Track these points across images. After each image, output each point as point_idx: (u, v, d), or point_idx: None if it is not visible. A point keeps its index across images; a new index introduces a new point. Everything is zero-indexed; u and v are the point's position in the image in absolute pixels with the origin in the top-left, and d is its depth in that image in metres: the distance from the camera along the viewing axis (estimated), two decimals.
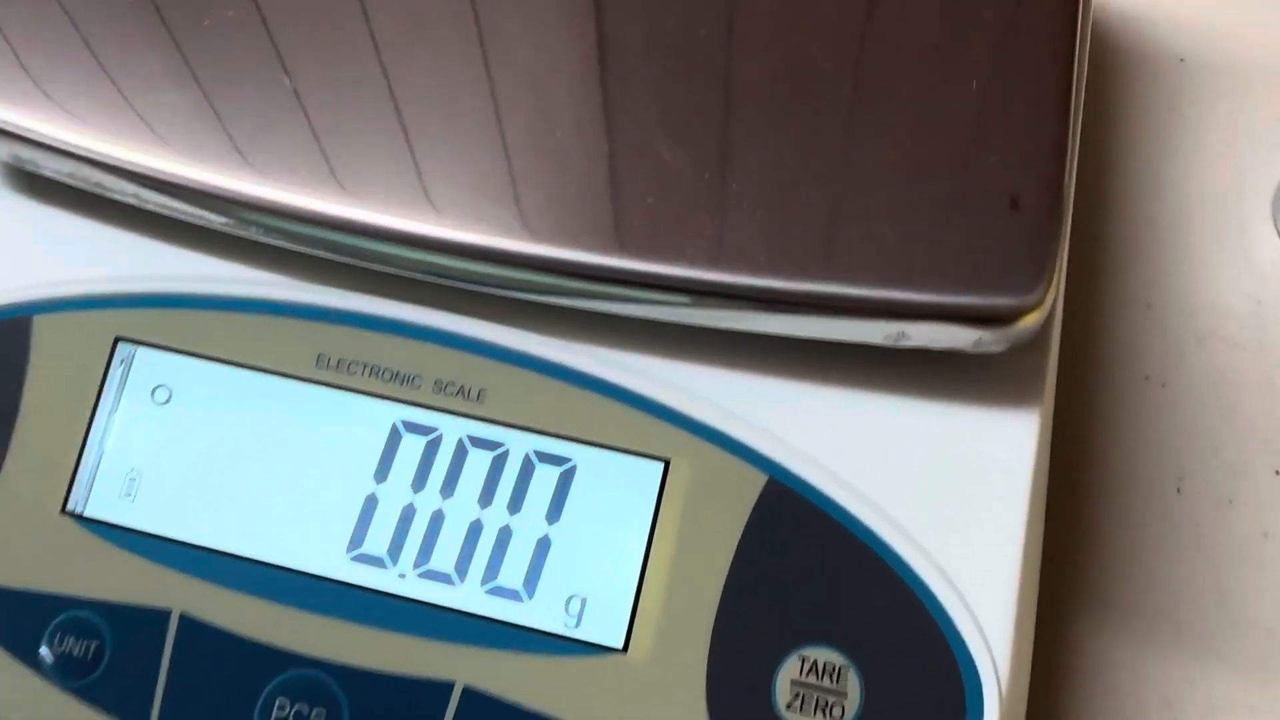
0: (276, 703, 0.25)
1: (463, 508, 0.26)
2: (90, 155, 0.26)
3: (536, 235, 0.25)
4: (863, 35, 0.26)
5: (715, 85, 0.26)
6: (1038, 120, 0.26)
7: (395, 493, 0.26)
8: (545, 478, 0.26)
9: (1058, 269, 0.25)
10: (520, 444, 0.26)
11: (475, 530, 0.26)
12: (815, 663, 0.24)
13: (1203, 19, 0.44)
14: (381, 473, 0.26)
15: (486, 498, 0.26)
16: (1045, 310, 0.24)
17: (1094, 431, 0.35)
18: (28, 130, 0.26)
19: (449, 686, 0.25)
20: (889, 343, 0.25)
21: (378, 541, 0.26)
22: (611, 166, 0.25)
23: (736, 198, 0.25)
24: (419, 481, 0.26)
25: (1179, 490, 0.34)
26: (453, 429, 0.26)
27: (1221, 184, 0.39)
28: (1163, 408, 0.36)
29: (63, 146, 0.26)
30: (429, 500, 0.26)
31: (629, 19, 0.27)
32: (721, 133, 0.25)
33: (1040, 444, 0.25)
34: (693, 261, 0.24)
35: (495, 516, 0.26)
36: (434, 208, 0.25)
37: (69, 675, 0.25)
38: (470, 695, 0.25)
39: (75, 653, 0.25)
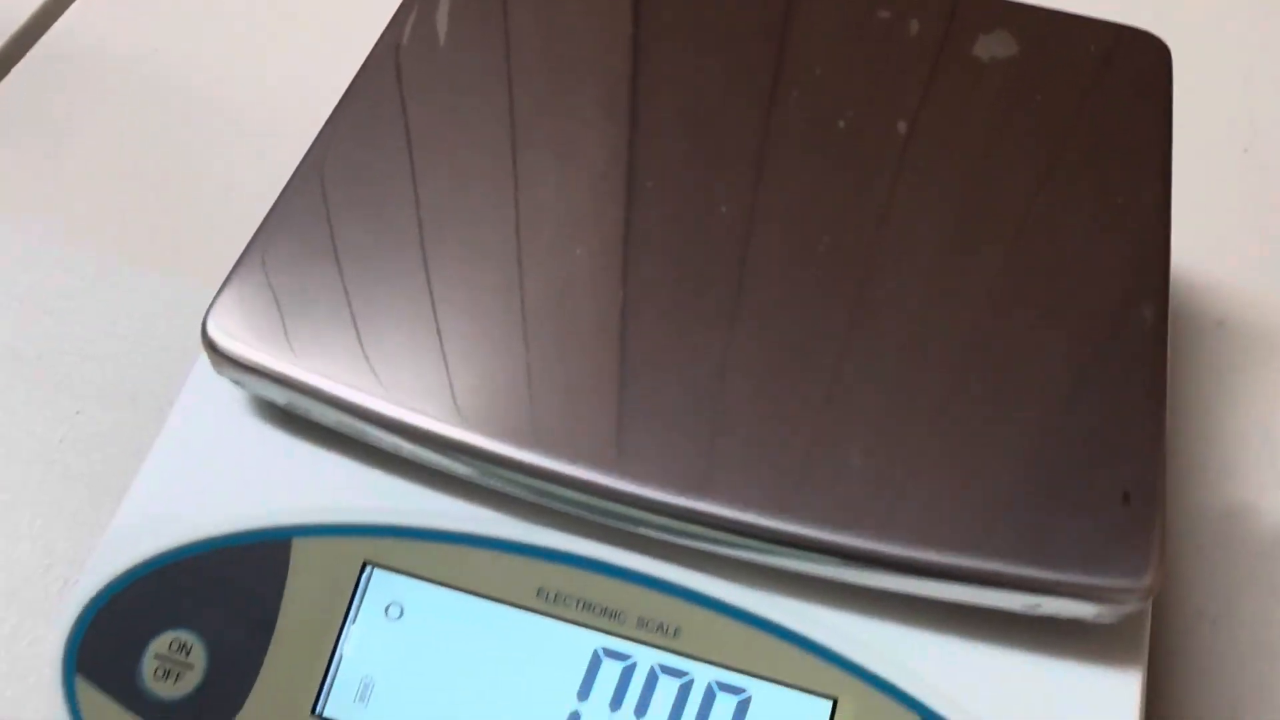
0: None
1: None
2: (356, 407, 0.31)
3: (733, 503, 0.30)
4: (1004, 356, 0.32)
5: (889, 376, 0.32)
6: (1141, 424, 0.32)
7: (595, 710, 0.31)
8: (725, 705, 0.31)
9: (1163, 556, 0.30)
10: (704, 675, 0.31)
11: None
12: None
13: (1240, 282, 0.50)
14: (584, 692, 0.31)
15: None
16: (1154, 590, 0.30)
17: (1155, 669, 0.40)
18: (303, 383, 0.32)
19: None
20: (1025, 610, 0.30)
21: None
22: (794, 445, 0.31)
23: (906, 484, 0.30)
24: (615, 702, 0.31)
25: None
26: (646, 658, 0.31)
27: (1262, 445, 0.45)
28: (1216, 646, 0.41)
29: (333, 398, 0.32)
30: (624, 719, 0.31)
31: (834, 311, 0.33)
32: (902, 421, 0.31)
33: (1142, 697, 0.30)
34: (865, 535, 0.30)
35: None
36: (647, 473, 0.31)
37: None
38: None
39: None
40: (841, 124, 0.37)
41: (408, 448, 0.31)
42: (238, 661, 0.31)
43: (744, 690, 0.31)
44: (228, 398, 0.34)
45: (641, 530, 0.31)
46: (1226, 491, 0.45)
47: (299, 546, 0.32)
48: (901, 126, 0.37)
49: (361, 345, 0.32)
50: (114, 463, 0.42)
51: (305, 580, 0.32)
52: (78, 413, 0.44)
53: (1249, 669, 0.40)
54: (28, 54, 0.55)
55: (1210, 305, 0.50)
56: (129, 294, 0.47)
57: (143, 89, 0.54)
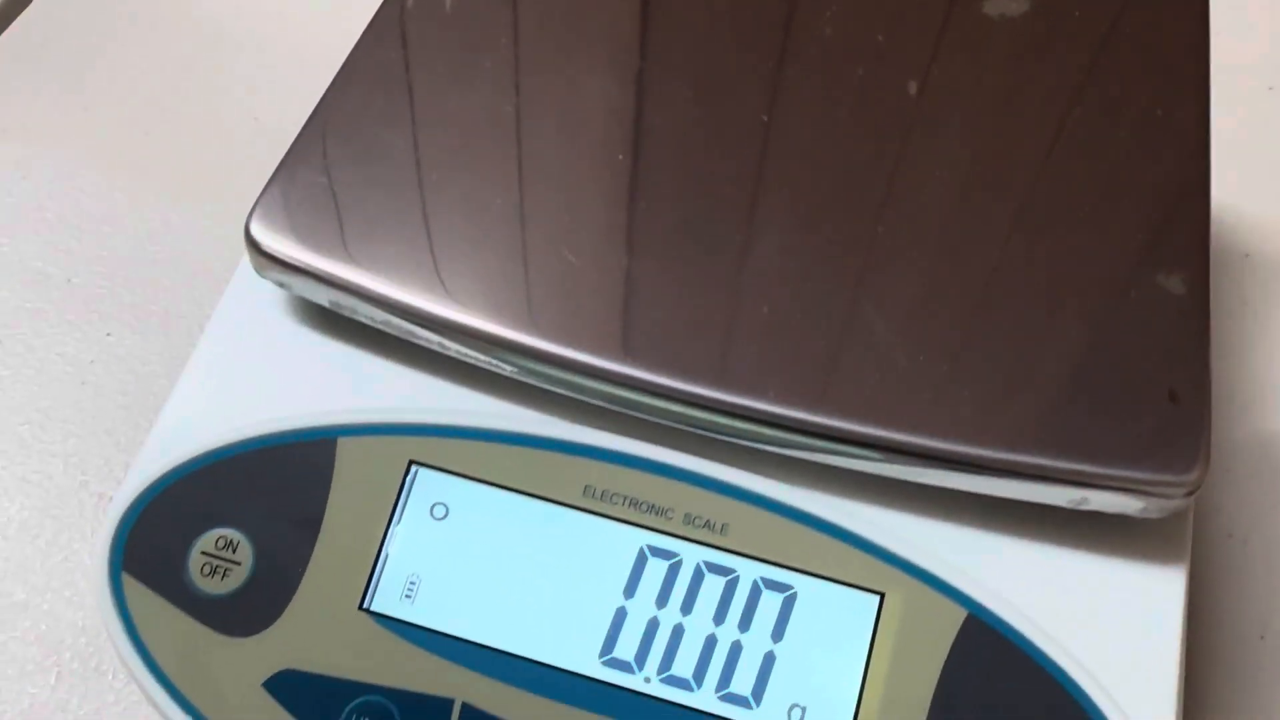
0: None
1: (699, 624, 0.31)
2: (401, 305, 0.31)
3: (780, 399, 0.30)
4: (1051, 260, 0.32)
5: (938, 271, 0.32)
6: (1188, 327, 0.32)
7: (641, 608, 0.31)
8: (771, 601, 0.31)
9: (1208, 451, 0.30)
10: (750, 571, 0.31)
11: (710, 644, 0.31)
12: None
13: (1266, 216, 0.50)
14: (630, 589, 0.31)
15: (720, 616, 0.31)
16: (1199, 485, 0.30)
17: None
18: (348, 281, 0.32)
19: None
20: (1071, 505, 0.30)
21: (626, 648, 0.31)
22: (841, 342, 0.31)
23: (955, 377, 0.30)
24: (661, 599, 0.31)
25: (1262, 638, 0.39)
26: (692, 555, 0.31)
27: None
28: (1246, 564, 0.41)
29: (378, 297, 0.31)
30: (670, 616, 0.31)
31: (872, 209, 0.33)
32: (948, 319, 0.31)
33: (1187, 593, 0.31)
34: (914, 430, 0.30)
35: (727, 633, 0.31)
36: (694, 370, 0.31)
37: None
38: None
39: None
40: (880, 38, 0.37)
41: (453, 346, 0.31)
42: (284, 559, 0.31)
43: (790, 586, 0.31)
44: (270, 299, 0.33)
45: (689, 428, 0.31)
46: (1253, 419, 0.45)
47: (344, 446, 0.32)
48: (948, 40, 0.37)
49: (405, 244, 0.32)
50: (145, 383, 0.42)
51: (351, 479, 0.32)
52: (108, 335, 0.44)
53: (1278, 586, 0.40)
54: None
55: (1237, 239, 0.50)
56: (159, 220, 0.46)
57: (168, 16, 0.53)
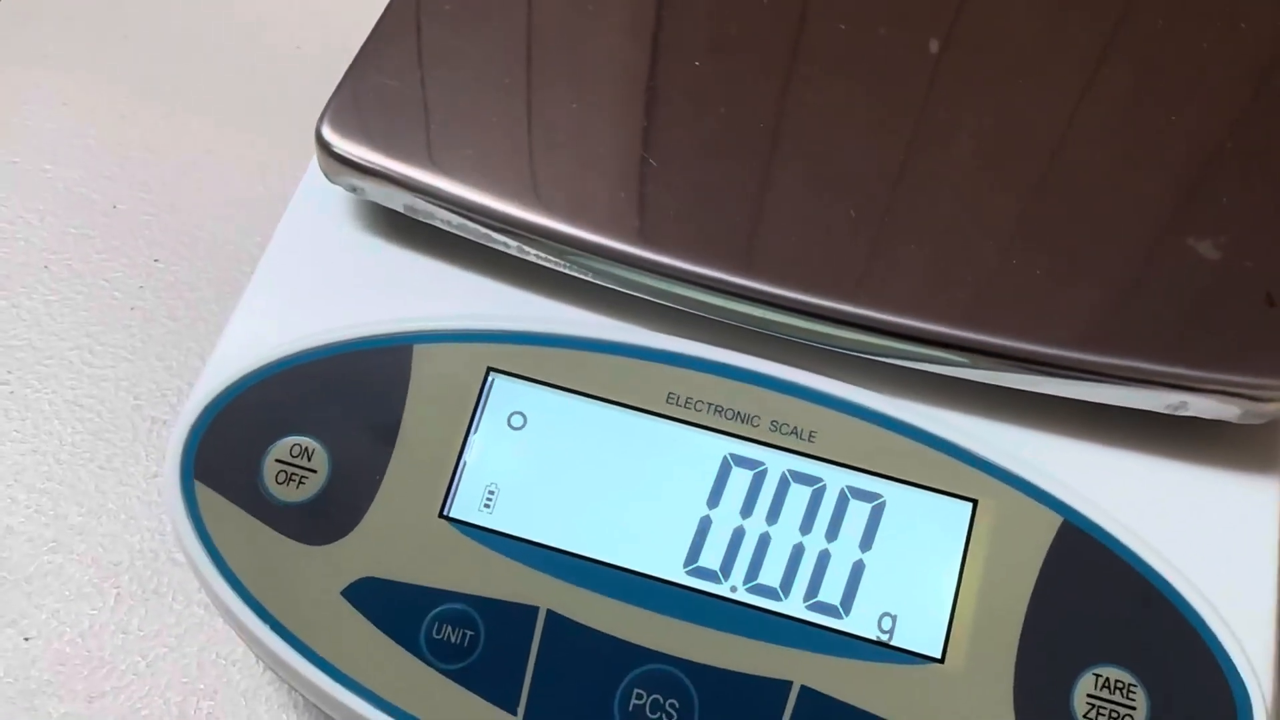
0: (634, 692, 0.29)
1: (786, 533, 0.30)
2: (478, 207, 0.31)
3: (870, 302, 0.29)
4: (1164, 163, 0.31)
5: (1028, 175, 0.31)
6: None
7: (726, 517, 0.30)
8: (859, 510, 0.30)
9: None
10: (838, 480, 0.30)
11: (797, 553, 0.30)
12: (1108, 680, 0.28)
13: None
14: (714, 498, 0.30)
15: (807, 525, 0.30)
16: None
17: None
18: (423, 183, 0.31)
19: (787, 685, 0.28)
20: (1169, 411, 0.29)
21: (712, 558, 0.30)
22: (933, 245, 0.30)
23: (1051, 281, 0.29)
24: (747, 508, 0.30)
25: None
26: (778, 464, 0.30)
27: None
28: None
29: (454, 199, 0.31)
30: (756, 525, 0.30)
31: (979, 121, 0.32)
32: (1043, 222, 0.30)
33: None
34: (1009, 334, 0.29)
35: (815, 542, 0.30)
36: (780, 273, 0.30)
37: (447, 659, 0.29)
38: (807, 693, 0.28)
39: (453, 640, 0.29)
40: None
41: (531, 250, 0.31)
42: (361, 467, 0.30)
43: (879, 495, 0.30)
44: (341, 206, 0.33)
45: (774, 333, 0.30)
46: None
47: (421, 353, 0.31)
48: None
49: (480, 146, 0.31)
50: (195, 309, 0.42)
51: (427, 387, 0.31)
52: (156, 260, 0.43)
53: None
54: None
55: None
56: (201, 148, 0.45)
57: None
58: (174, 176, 0.45)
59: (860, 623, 0.29)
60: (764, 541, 0.30)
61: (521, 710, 0.29)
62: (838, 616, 0.29)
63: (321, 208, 0.33)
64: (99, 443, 0.39)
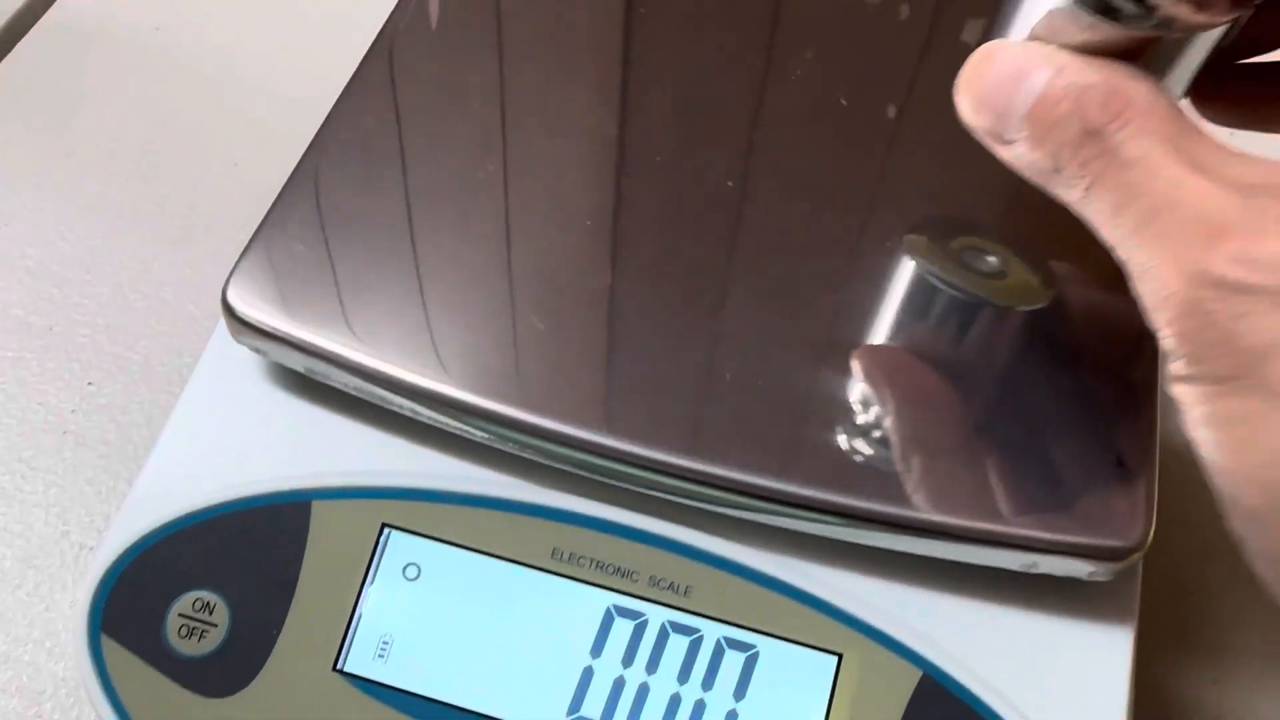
0: None
1: (664, 683, 0.32)
2: (374, 372, 0.32)
3: (739, 465, 0.31)
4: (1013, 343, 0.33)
5: (892, 345, 0.33)
6: (1133, 391, 0.33)
7: (608, 667, 0.32)
8: (734, 660, 0.32)
9: (1153, 515, 0.31)
10: (714, 631, 0.32)
11: (674, 702, 0.31)
12: None
13: None
14: (596, 649, 0.32)
15: (684, 676, 0.32)
16: (1145, 549, 0.31)
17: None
18: (322, 348, 0.32)
19: None
20: (1023, 569, 0.31)
21: (593, 707, 0.31)
22: (801, 413, 0.32)
23: (909, 448, 0.31)
24: (627, 658, 0.32)
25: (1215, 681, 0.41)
26: (657, 616, 0.32)
27: None
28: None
29: (351, 364, 0.32)
30: (636, 675, 0.32)
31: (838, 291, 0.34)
32: (902, 398, 0.32)
33: (1134, 653, 0.32)
34: (872, 498, 0.31)
35: (691, 692, 0.32)
36: (654, 437, 0.31)
37: None
38: None
39: None
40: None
41: (424, 412, 0.32)
42: (260, 620, 0.32)
43: (752, 646, 0.32)
44: (247, 364, 0.34)
45: (653, 492, 0.32)
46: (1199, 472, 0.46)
47: (319, 509, 0.33)
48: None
49: (379, 312, 0.33)
50: (126, 432, 0.43)
51: (325, 542, 0.32)
52: (89, 384, 0.44)
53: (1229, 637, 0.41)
54: (32, 30, 0.55)
55: None
56: (140, 266, 0.47)
57: (148, 65, 0.54)
58: (111, 296, 0.46)
59: None
60: (644, 691, 0.32)
61: None
62: None
63: (231, 362, 0.35)
64: (28, 569, 0.40)
